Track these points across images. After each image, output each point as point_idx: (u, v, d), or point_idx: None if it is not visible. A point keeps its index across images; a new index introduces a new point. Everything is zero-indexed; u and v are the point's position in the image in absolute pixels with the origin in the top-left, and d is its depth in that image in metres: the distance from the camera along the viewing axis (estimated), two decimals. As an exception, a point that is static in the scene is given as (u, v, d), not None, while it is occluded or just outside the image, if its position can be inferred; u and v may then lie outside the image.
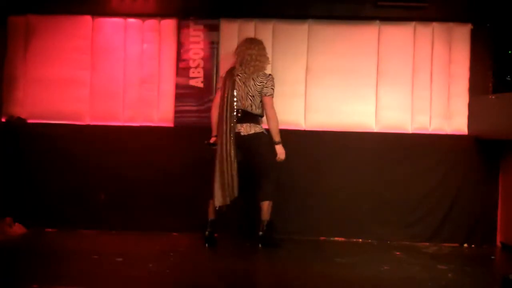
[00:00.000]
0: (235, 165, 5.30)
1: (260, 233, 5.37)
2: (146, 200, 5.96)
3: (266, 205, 5.36)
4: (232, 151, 5.29)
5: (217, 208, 5.34)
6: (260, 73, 5.37)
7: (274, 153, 5.33)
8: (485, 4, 5.80)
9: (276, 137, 5.33)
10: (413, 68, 5.94)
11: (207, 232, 5.42)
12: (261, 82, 5.33)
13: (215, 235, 5.45)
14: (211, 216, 5.43)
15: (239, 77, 5.37)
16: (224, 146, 5.30)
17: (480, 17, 5.87)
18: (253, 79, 5.34)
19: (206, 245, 5.39)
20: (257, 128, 5.38)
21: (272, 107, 5.34)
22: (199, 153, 5.93)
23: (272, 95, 5.34)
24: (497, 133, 5.44)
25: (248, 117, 5.37)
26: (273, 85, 5.35)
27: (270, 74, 5.41)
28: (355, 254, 5.26)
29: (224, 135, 5.32)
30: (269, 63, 5.54)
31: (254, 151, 5.37)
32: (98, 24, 6.11)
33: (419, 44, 5.93)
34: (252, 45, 5.43)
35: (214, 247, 5.38)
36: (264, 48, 5.47)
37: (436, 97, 5.93)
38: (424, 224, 5.85)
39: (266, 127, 5.39)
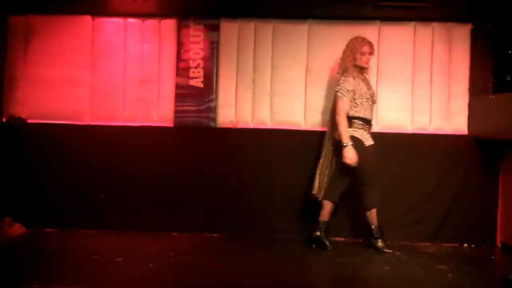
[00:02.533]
0: (319, 166, 5.45)
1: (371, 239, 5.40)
2: (146, 200, 5.96)
3: (369, 214, 5.36)
4: (322, 155, 5.47)
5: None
6: (340, 76, 5.35)
7: (361, 159, 5.20)
8: (485, 4, 5.80)
9: (343, 140, 5.19)
10: (413, 68, 5.94)
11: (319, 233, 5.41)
12: (336, 86, 5.34)
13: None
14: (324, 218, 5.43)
15: None
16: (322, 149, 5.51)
17: (480, 17, 5.87)
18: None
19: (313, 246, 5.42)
20: None
21: (339, 111, 5.22)
22: (199, 153, 5.97)
23: (340, 98, 5.23)
24: (497, 133, 5.44)
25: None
26: (341, 88, 5.23)
27: (344, 77, 5.29)
28: (355, 254, 5.26)
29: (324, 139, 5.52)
30: (349, 64, 5.34)
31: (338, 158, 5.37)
32: (98, 24, 6.11)
33: (419, 44, 5.93)
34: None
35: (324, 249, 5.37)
36: (345, 51, 5.39)
37: (436, 97, 5.92)
38: (424, 224, 5.85)
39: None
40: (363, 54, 5.36)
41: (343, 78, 5.30)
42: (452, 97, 5.92)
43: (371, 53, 5.40)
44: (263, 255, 5.25)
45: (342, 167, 5.30)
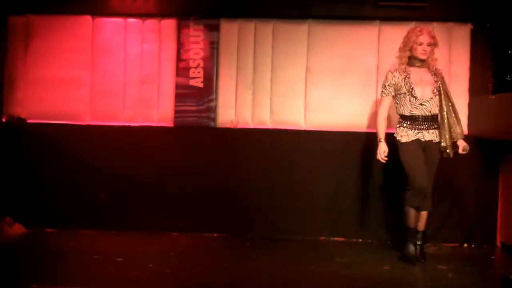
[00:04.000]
0: None
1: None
2: (146, 200, 5.96)
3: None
4: None
5: None
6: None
7: (402, 156, 5.09)
8: (485, 4, 5.79)
9: (378, 135, 5.08)
10: (413, 68, 5.93)
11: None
12: None
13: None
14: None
15: None
16: None
17: (480, 17, 5.86)
18: None
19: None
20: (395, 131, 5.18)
21: (379, 106, 5.18)
22: (199, 153, 5.97)
23: (381, 95, 5.18)
24: (497, 133, 5.43)
25: None
26: (382, 84, 5.13)
27: (388, 72, 5.13)
28: (355, 254, 5.26)
29: None
30: (402, 55, 5.09)
31: None
32: (98, 24, 6.11)
33: (419, 44, 5.92)
34: None
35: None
36: (403, 41, 5.14)
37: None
38: (424, 224, 5.84)
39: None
40: (419, 44, 5.04)
41: (386, 74, 5.14)
42: (452, 97, 5.91)
43: (429, 44, 5.01)
44: (263, 255, 5.25)
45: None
